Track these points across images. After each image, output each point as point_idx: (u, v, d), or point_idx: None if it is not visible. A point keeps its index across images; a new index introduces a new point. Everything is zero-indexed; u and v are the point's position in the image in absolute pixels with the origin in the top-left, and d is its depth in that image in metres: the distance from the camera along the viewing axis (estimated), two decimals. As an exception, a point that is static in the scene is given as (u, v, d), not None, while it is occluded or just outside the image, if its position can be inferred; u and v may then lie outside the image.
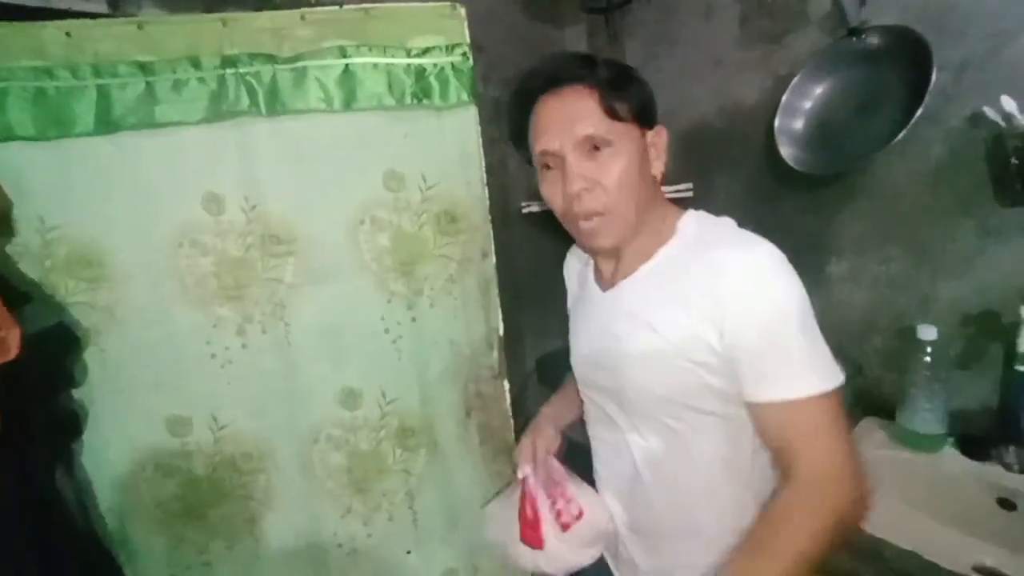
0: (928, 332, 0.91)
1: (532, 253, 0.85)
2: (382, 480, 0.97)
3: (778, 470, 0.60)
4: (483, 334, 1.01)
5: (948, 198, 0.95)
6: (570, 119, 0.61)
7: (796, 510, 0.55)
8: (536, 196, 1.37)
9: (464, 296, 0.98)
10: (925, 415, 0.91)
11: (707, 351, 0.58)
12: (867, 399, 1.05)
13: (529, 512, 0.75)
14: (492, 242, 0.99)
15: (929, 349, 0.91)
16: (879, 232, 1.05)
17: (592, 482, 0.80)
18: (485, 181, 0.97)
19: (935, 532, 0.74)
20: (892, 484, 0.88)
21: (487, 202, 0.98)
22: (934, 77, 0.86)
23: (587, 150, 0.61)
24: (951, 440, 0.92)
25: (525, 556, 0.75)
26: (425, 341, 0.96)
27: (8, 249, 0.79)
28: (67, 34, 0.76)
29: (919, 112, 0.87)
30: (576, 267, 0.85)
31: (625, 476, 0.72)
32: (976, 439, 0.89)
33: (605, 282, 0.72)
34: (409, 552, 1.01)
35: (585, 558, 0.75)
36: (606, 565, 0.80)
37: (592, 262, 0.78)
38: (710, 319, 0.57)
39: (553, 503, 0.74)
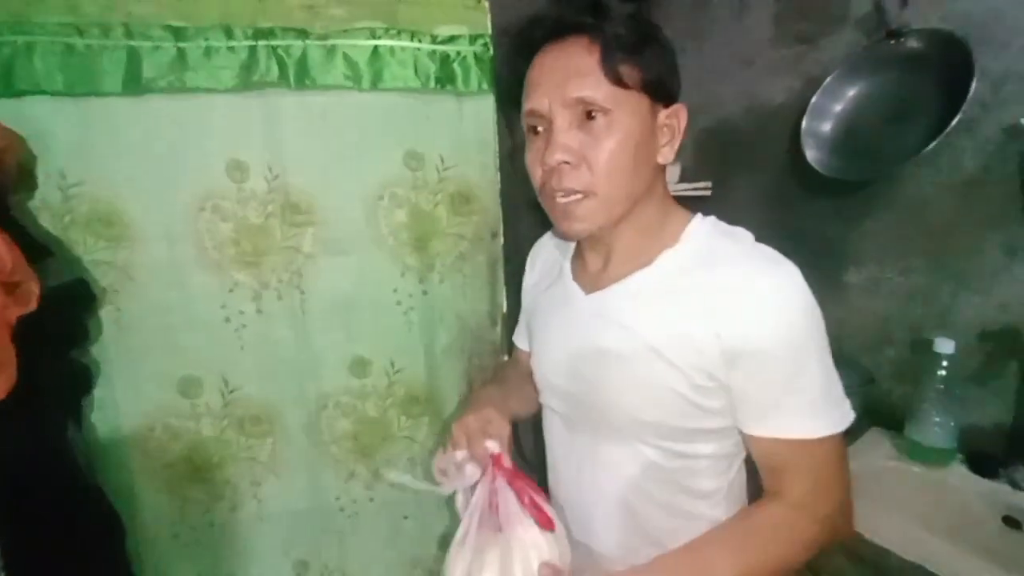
0: (946, 345, 0.89)
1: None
2: (387, 446, 1.00)
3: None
4: (488, 310, 1.03)
5: (977, 211, 0.93)
6: (563, 75, 0.51)
7: (784, 528, 0.52)
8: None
9: (473, 273, 1.00)
10: (935, 429, 0.90)
11: (709, 378, 0.52)
12: (876, 409, 1.04)
13: (526, 497, 0.59)
14: (502, 224, 1.01)
15: (945, 363, 0.89)
16: (901, 242, 1.02)
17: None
18: (499, 166, 0.99)
19: (939, 546, 0.72)
20: (897, 496, 0.87)
21: (499, 185, 1.00)
22: (974, 86, 0.83)
23: (578, 115, 0.52)
24: (960, 456, 0.90)
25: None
26: (434, 314, 0.98)
27: (29, 204, 0.81)
28: (101, -7, 0.77)
29: (955, 121, 0.84)
30: (549, 255, 0.75)
31: (588, 499, 0.64)
32: (985, 456, 0.88)
33: (588, 282, 0.63)
34: (407, 518, 1.04)
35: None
36: None
37: (570, 256, 0.69)
38: (718, 343, 0.50)
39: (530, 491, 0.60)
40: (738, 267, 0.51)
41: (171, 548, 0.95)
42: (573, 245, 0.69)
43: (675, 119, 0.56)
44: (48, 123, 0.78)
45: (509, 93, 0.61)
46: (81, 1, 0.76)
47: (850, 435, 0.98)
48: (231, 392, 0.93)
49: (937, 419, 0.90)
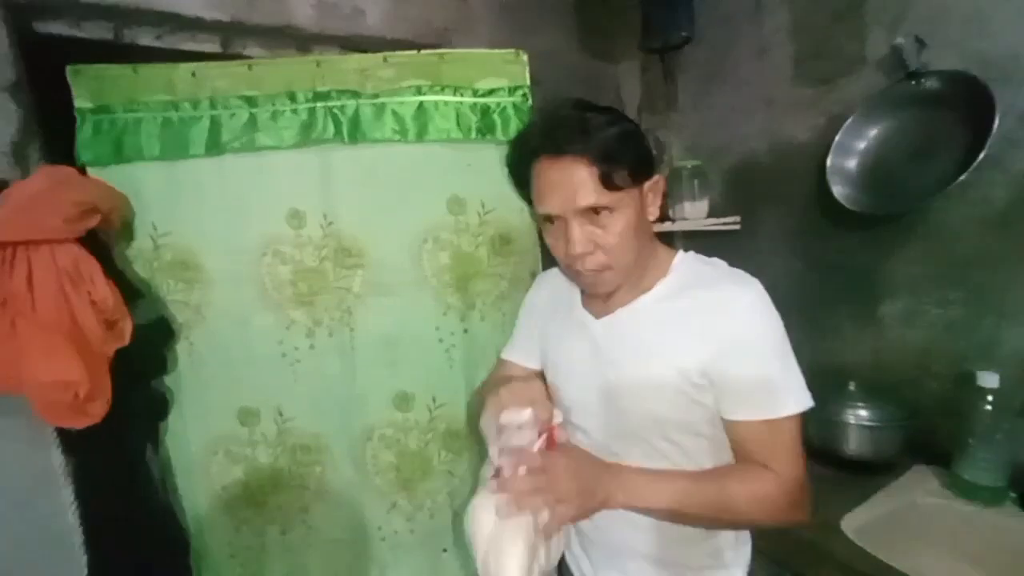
0: (990, 379, 0.88)
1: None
2: (427, 479, 1.04)
3: None
4: None
5: (1013, 244, 0.92)
6: (571, 190, 0.64)
7: (757, 479, 0.62)
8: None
9: (512, 312, 1.04)
10: (984, 466, 0.88)
11: (702, 376, 0.64)
12: (920, 445, 1.01)
13: None
14: (540, 264, 1.06)
15: (990, 397, 0.88)
16: (936, 275, 1.02)
17: None
18: (537, 209, 1.05)
19: (990, 589, 0.71)
20: (945, 535, 0.85)
21: (537, 228, 1.05)
22: (996, 123, 0.85)
23: (588, 215, 0.65)
24: (1012, 495, 0.87)
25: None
26: (475, 351, 1.03)
27: (127, 252, 0.93)
28: (192, 74, 0.90)
29: (981, 156, 0.86)
30: (560, 285, 0.84)
31: None
32: (1040, 496, 0.85)
33: (598, 309, 0.75)
34: (445, 550, 1.07)
35: None
36: None
37: (580, 288, 0.79)
38: (707, 348, 0.63)
39: None
40: (718, 286, 0.66)
41: (227, 567, 1.01)
42: None
43: (656, 186, 0.70)
44: (145, 184, 0.91)
45: (515, 182, 0.74)
46: (176, 81, 0.90)
47: (893, 470, 0.98)
48: (285, 422, 1.00)
49: (986, 455, 0.88)
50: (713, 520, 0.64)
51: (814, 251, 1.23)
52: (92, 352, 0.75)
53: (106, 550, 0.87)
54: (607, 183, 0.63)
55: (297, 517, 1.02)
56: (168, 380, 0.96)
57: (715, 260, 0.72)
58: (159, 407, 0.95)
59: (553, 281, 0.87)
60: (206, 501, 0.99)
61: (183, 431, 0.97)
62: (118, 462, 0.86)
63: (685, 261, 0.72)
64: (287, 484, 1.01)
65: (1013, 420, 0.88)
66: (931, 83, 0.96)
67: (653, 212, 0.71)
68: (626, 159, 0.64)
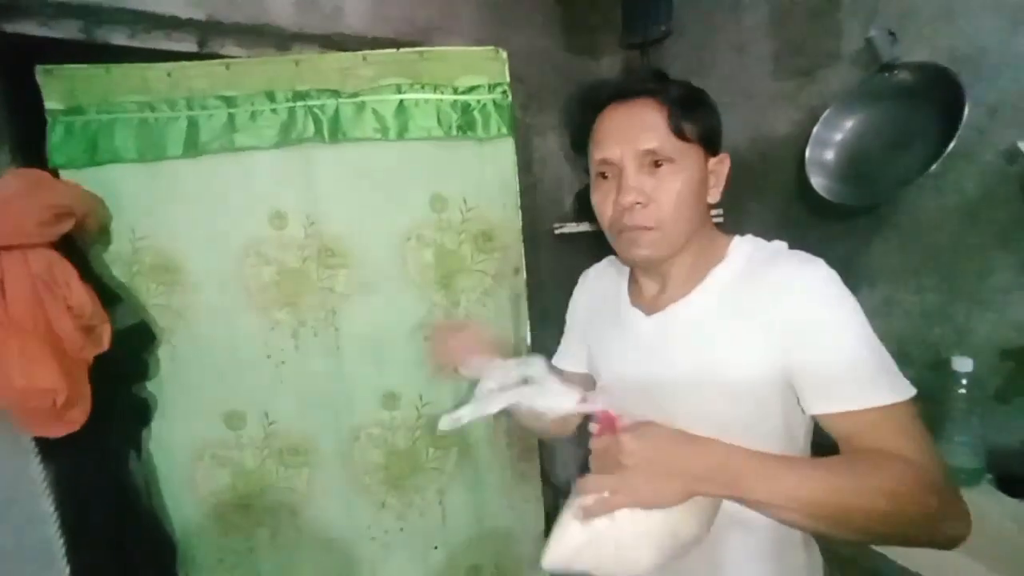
0: (963, 364, 0.90)
1: (561, 272, 0.92)
2: (416, 477, 1.04)
3: None
4: (512, 344, 1.08)
5: (984, 232, 0.94)
6: (635, 130, 0.59)
7: (893, 464, 0.48)
8: (567, 218, 1.43)
9: (497, 308, 1.05)
10: (961, 448, 0.90)
11: (772, 371, 0.55)
12: (899, 430, 1.03)
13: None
14: (523, 260, 1.07)
15: (964, 381, 0.90)
16: (912, 263, 1.04)
17: None
18: (519, 205, 1.05)
19: (968, 569, 0.72)
20: (923, 517, 0.86)
21: (520, 224, 1.06)
22: (966, 113, 0.87)
23: (647, 164, 0.60)
24: (988, 477, 0.89)
25: None
26: None
27: (105, 256, 0.91)
28: (168, 74, 0.89)
29: (951, 146, 0.88)
30: (607, 279, 0.78)
31: None
32: (1016, 477, 0.87)
33: (648, 305, 0.68)
34: (436, 547, 1.07)
35: None
36: None
37: (626, 283, 0.73)
38: (776, 338, 0.55)
39: None
40: (784, 268, 0.58)
41: (216, 572, 1.00)
42: (628, 273, 0.74)
43: (721, 165, 0.64)
44: (122, 186, 0.89)
45: (574, 142, 0.70)
46: (151, 81, 0.88)
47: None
48: (271, 424, 0.99)
49: (962, 438, 0.90)
50: (839, 523, 0.48)
51: (795, 242, 1.23)
52: (70, 358, 0.74)
53: (90, 559, 0.86)
54: (676, 130, 0.58)
55: (286, 519, 1.02)
56: (151, 385, 0.95)
57: (775, 242, 0.64)
58: (142, 413, 0.94)
59: (599, 277, 0.80)
60: (193, 506, 0.98)
61: (168, 436, 0.96)
62: (100, 469, 0.85)
63: (742, 245, 0.64)
64: (275, 486, 1.01)
65: (987, 403, 0.91)
66: (903, 75, 0.97)
67: (715, 194, 0.64)
68: (699, 115, 0.60)
